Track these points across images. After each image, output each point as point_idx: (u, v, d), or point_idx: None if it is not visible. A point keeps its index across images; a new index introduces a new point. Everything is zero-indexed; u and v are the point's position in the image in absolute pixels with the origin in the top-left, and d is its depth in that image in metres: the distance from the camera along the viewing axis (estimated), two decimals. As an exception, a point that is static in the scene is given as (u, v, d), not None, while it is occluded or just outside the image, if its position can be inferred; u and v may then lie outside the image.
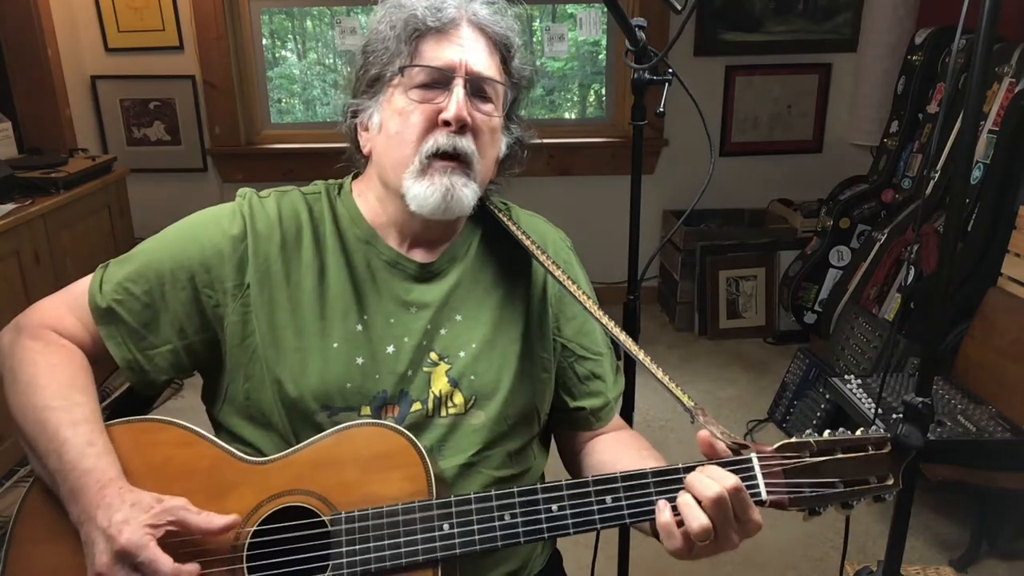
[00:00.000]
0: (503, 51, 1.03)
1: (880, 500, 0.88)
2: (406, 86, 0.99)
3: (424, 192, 0.97)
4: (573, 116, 4.21)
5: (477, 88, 0.99)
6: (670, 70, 1.38)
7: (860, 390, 2.31)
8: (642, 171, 1.45)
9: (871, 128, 3.54)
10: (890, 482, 0.87)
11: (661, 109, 1.34)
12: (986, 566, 2.14)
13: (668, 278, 3.83)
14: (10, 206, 2.52)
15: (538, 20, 4.01)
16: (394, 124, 1.00)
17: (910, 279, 2.79)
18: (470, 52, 0.98)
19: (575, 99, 4.22)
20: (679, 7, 1.33)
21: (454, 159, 0.97)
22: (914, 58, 3.19)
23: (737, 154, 3.84)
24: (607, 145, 3.80)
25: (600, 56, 3.99)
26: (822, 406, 2.63)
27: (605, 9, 1.59)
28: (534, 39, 4.08)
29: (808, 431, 0.89)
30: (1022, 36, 2.63)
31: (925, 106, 3.13)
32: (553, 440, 1.20)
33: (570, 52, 3.92)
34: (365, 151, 1.06)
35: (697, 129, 1.48)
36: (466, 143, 0.97)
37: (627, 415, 1.50)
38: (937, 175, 2.83)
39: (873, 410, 2.14)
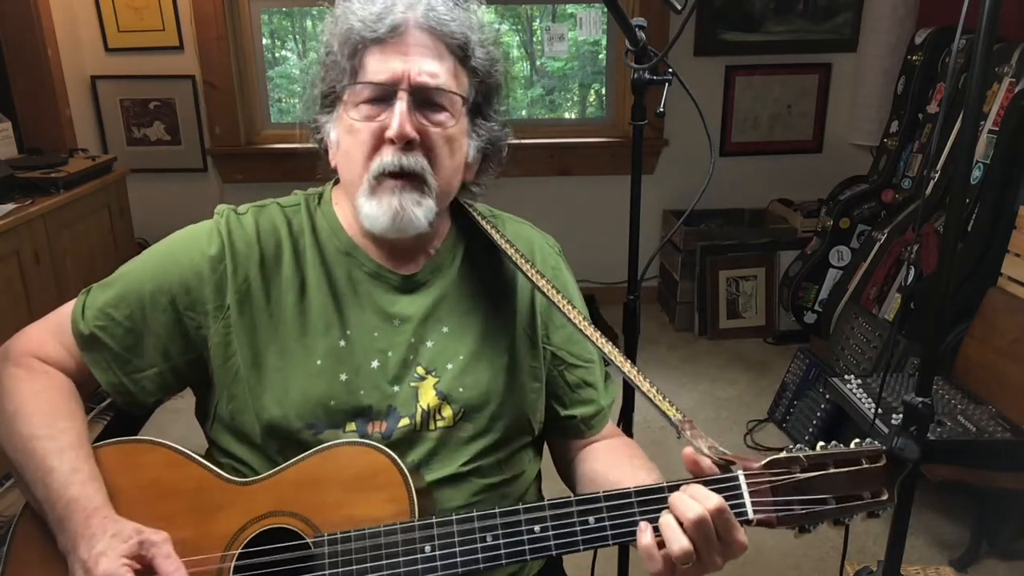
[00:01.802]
0: (458, 52, 0.96)
1: (874, 516, 0.84)
2: (352, 103, 0.95)
3: (374, 212, 0.94)
4: (573, 116, 4.21)
5: (425, 99, 0.94)
6: (670, 70, 1.38)
7: (860, 390, 2.31)
8: (642, 171, 1.46)
9: (871, 128, 3.54)
10: (884, 497, 0.84)
11: (661, 109, 1.35)
12: (986, 566, 2.14)
13: (668, 278, 3.82)
14: (10, 206, 2.51)
15: (538, 20, 4.02)
16: (345, 142, 0.97)
17: (910, 279, 2.79)
18: (415, 61, 0.93)
19: (575, 99, 4.22)
20: (679, 7, 1.33)
21: (403, 177, 0.93)
22: (914, 58, 3.19)
23: (737, 154, 3.84)
24: (607, 145, 3.79)
25: (600, 56, 3.99)
26: (822, 406, 2.63)
27: (605, 9, 1.60)
28: (534, 39, 4.08)
29: (799, 445, 0.85)
30: (1022, 36, 2.63)
31: (925, 106, 3.13)
32: (547, 448, 1.18)
33: (570, 52, 3.91)
34: (332, 165, 1.03)
35: (697, 129, 1.48)
36: (414, 160, 0.93)
37: (627, 417, 1.50)
38: (937, 175, 2.83)
39: (873, 410, 2.14)
